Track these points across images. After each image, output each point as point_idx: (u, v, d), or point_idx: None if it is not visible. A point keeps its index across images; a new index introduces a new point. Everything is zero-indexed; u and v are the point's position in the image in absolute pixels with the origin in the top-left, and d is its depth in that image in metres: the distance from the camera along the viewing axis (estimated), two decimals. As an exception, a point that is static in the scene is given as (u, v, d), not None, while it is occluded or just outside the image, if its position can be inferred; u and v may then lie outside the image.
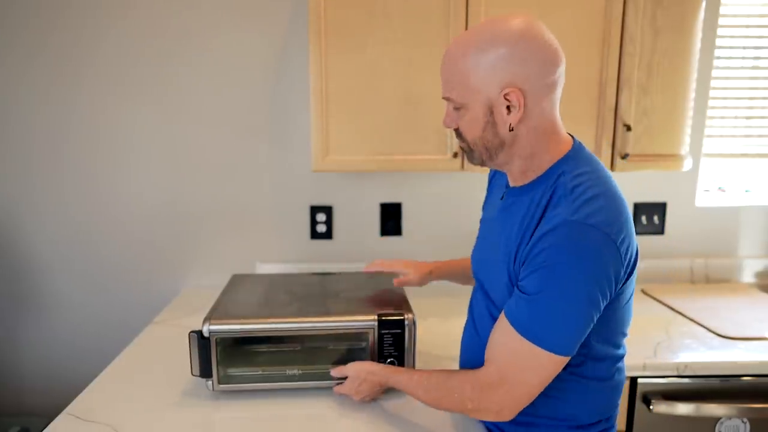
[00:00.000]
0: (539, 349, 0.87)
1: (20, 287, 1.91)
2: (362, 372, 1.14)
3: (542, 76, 0.89)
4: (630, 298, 0.96)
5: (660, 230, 2.00)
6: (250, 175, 1.89)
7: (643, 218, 1.98)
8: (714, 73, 1.92)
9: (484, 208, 1.18)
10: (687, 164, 1.65)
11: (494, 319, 1.02)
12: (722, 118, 1.98)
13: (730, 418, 1.39)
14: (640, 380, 1.38)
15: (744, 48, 1.94)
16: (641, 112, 1.57)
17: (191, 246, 1.92)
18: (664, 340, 1.50)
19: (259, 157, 1.87)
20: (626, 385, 1.38)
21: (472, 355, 1.11)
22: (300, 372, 1.22)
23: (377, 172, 1.88)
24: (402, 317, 1.20)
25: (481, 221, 1.17)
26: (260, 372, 1.22)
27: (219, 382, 1.19)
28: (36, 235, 1.88)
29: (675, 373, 1.38)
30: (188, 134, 1.85)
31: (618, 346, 1.01)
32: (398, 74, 1.53)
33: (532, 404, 0.95)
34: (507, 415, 0.93)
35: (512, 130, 0.91)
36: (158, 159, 1.86)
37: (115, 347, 1.57)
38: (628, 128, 1.56)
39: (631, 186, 1.96)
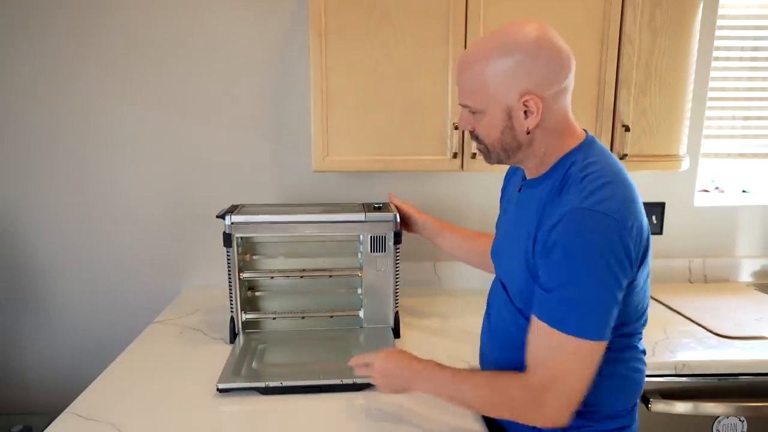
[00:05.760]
0: (576, 338, 0.87)
1: (22, 288, 1.91)
2: (390, 367, 1.04)
3: (557, 81, 0.92)
4: (645, 283, 0.96)
5: (658, 230, 2.00)
6: (250, 175, 1.89)
7: (642, 218, 1.98)
8: (712, 73, 1.93)
9: (501, 203, 1.21)
10: (685, 164, 1.66)
11: (510, 312, 1.03)
12: (720, 118, 1.99)
13: (727, 416, 1.40)
14: (638, 379, 1.39)
15: (742, 48, 1.95)
16: (639, 113, 1.58)
17: (191, 246, 1.92)
18: (663, 339, 1.51)
19: (259, 157, 1.88)
20: (625, 383, 1.39)
21: (486, 348, 1.14)
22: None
23: (377, 173, 1.89)
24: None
25: (499, 216, 1.19)
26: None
27: None
28: (37, 236, 1.88)
29: (673, 372, 1.38)
30: (188, 134, 1.85)
31: (636, 332, 1.00)
32: (398, 75, 1.54)
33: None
34: (566, 415, 0.90)
35: (529, 133, 0.95)
36: (158, 159, 1.86)
37: (116, 346, 1.57)
38: (627, 128, 1.57)
39: (630, 186, 1.97)
